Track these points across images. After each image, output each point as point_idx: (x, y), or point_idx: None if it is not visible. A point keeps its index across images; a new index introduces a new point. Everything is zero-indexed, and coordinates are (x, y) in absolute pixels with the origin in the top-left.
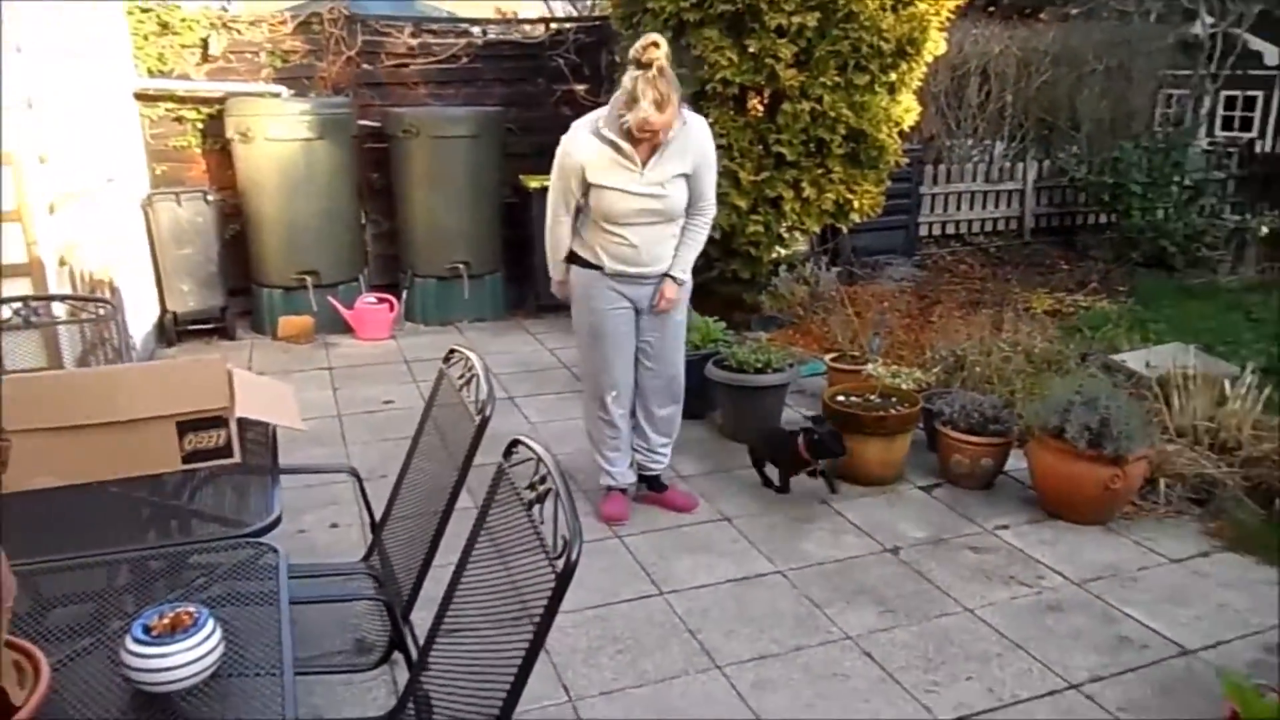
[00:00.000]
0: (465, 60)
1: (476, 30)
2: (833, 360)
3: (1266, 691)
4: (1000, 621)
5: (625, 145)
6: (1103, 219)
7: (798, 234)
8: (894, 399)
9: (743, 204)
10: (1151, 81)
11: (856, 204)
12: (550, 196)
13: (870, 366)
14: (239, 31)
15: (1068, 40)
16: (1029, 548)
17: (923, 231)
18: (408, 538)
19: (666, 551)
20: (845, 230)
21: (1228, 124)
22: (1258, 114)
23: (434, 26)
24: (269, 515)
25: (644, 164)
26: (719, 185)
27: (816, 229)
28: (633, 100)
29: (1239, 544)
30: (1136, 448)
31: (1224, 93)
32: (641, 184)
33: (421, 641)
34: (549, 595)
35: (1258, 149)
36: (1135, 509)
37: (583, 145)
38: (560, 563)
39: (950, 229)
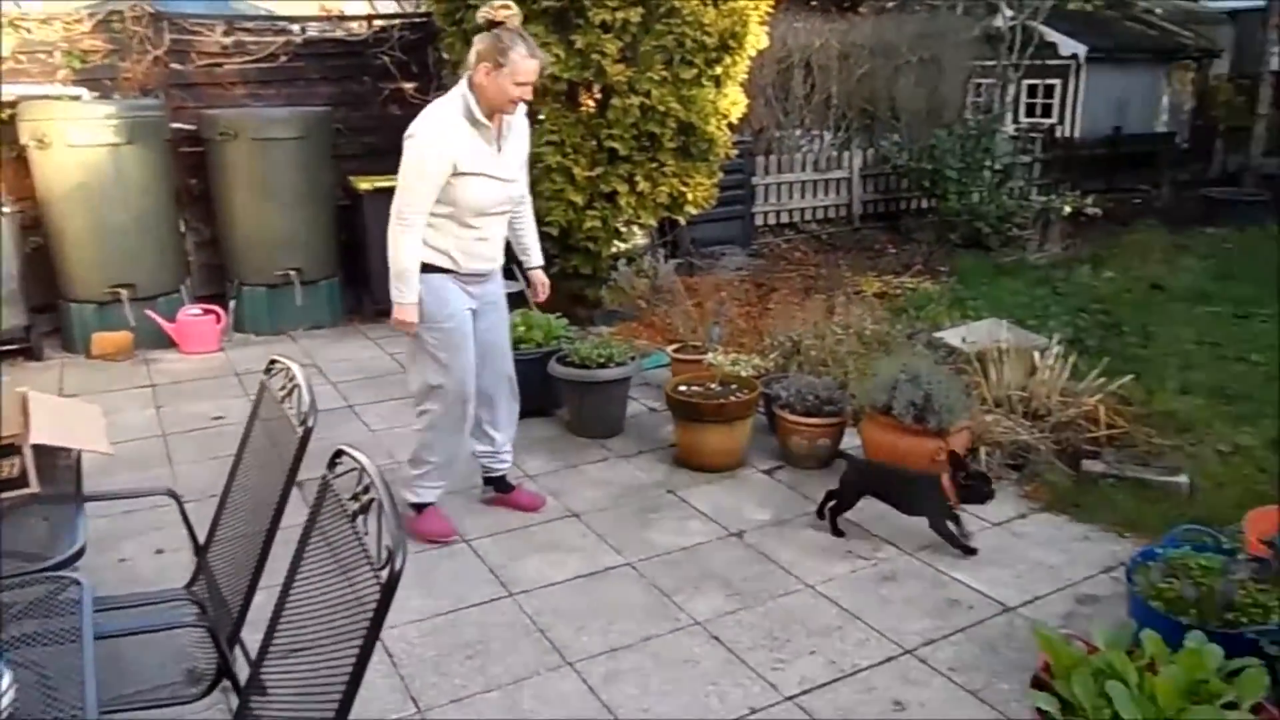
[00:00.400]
0: (285, 59)
1: (296, 28)
2: (675, 351)
3: (1075, 640)
4: (840, 595)
5: (490, 125)
6: (924, 204)
7: (635, 228)
8: (734, 386)
9: (579, 200)
10: (961, 71)
11: (690, 196)
12: (405, 202)
13: (711, 356)
14: (29, 30)
15: (883, 33)
16: (865, 522)
17: (758, 221)
18: (234, 559)
19: (515, 552)
20: (683, 222)
21: (1031, 111)
22: (1056, 101)
23: (249, 25)
24: (71, 547)
25: (498, 148)
26: (555, 182)
27: (653, 222)
28: (504, 54)
29: (1052, 504)
30: (958, 420)
31: (1026, 81)
32: (502, 169)
33: (252, 665)
34: (374, 608)
35: (1058, 134)
36: None
37: (454, 133)
38: (384, 573)
39: (784, 218)
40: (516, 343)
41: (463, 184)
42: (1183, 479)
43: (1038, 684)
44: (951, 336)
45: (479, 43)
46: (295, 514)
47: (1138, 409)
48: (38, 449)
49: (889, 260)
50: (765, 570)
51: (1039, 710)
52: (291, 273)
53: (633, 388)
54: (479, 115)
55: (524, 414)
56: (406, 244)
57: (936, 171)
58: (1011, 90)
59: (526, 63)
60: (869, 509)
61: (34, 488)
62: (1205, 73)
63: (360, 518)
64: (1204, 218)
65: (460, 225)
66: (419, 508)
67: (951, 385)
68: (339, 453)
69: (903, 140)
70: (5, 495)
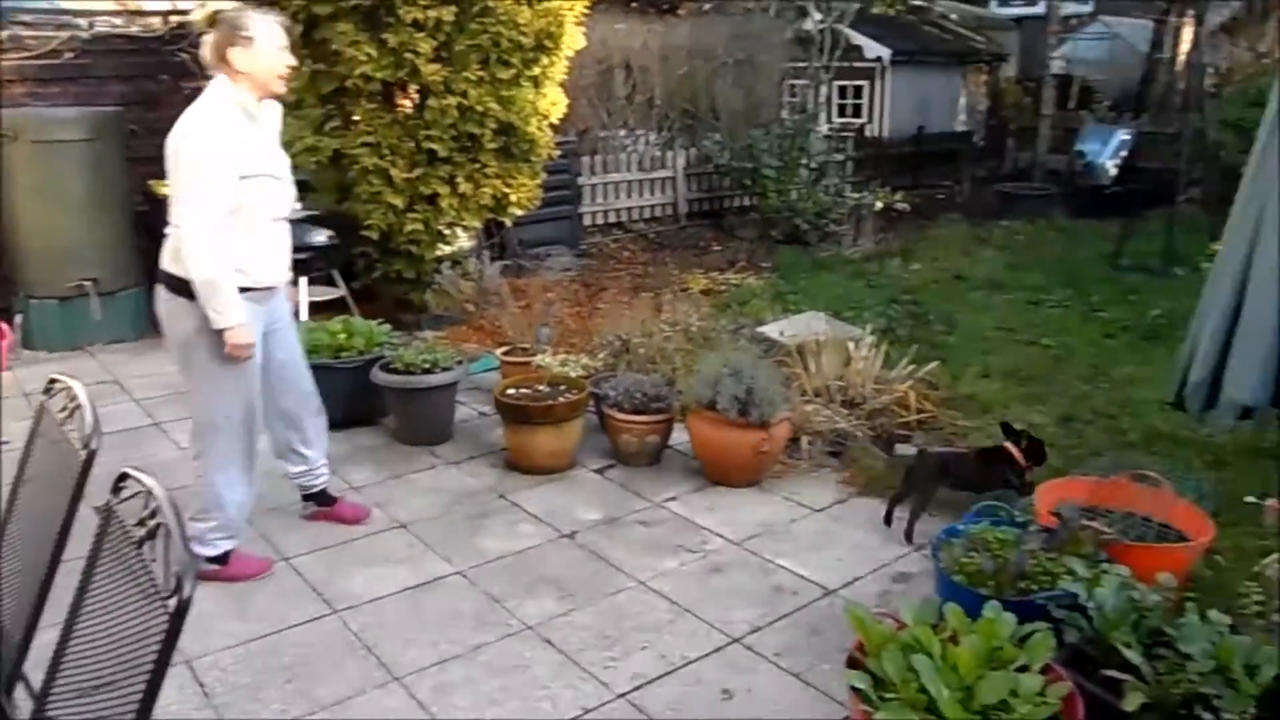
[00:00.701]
0: (71, 55)
1: (82, 23)
2: (504, 354)
3: (886, 618)
4: (670, 589)
5: (259, 119)
6: (746, 201)
7: (459, 230)
8: (563, 387)
9: (399, 202)
10: (775, 72)
11: (514, 197)
12: (200, 213)
13: (540, 357)
14: None
15: (700, 35)
16: (694, 515)
17: (586, 221)
18: (14, 595)
19: (339, 567)
20: (509, 224)
21: (842, 111)
22: (865, 102)
23: (25, 18)
24: None
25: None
26: (372, 184)
27: (477, 224)
28: (244, 29)
29: (868, 488)
30: (779, 411)
31: (836, 83)
32: (282, 168)
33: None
34: (162, 638)
35: (868, 133)
36: (784, 467)
37: (233, 131)
38: (173, 601)
39: (612, 217)
40: (337, 351)
41: (250, 187)
42: None
43: (852, 663)
44: (773, 330)
45: (214, 37)
46: (84, 543)
47: (944, 393)
48: None
49: (714, 257)
50: (597, 569)
51: (853, 688)
52: (87, 284)
53: (461, 392)
54: (252, 108)
55: (348, 424)
56: (211, 255)
57: (756, 170)
58: (823, 91)
59: (272, 27)
60: (697, 501)
61: None
62: (996, 75)
63: (147, 544)
64: (999, 211)
65: (248, 234)
66: (220, 559)
67: (772, 378)
68: (124, 475)
69: (723, 139)
70: None
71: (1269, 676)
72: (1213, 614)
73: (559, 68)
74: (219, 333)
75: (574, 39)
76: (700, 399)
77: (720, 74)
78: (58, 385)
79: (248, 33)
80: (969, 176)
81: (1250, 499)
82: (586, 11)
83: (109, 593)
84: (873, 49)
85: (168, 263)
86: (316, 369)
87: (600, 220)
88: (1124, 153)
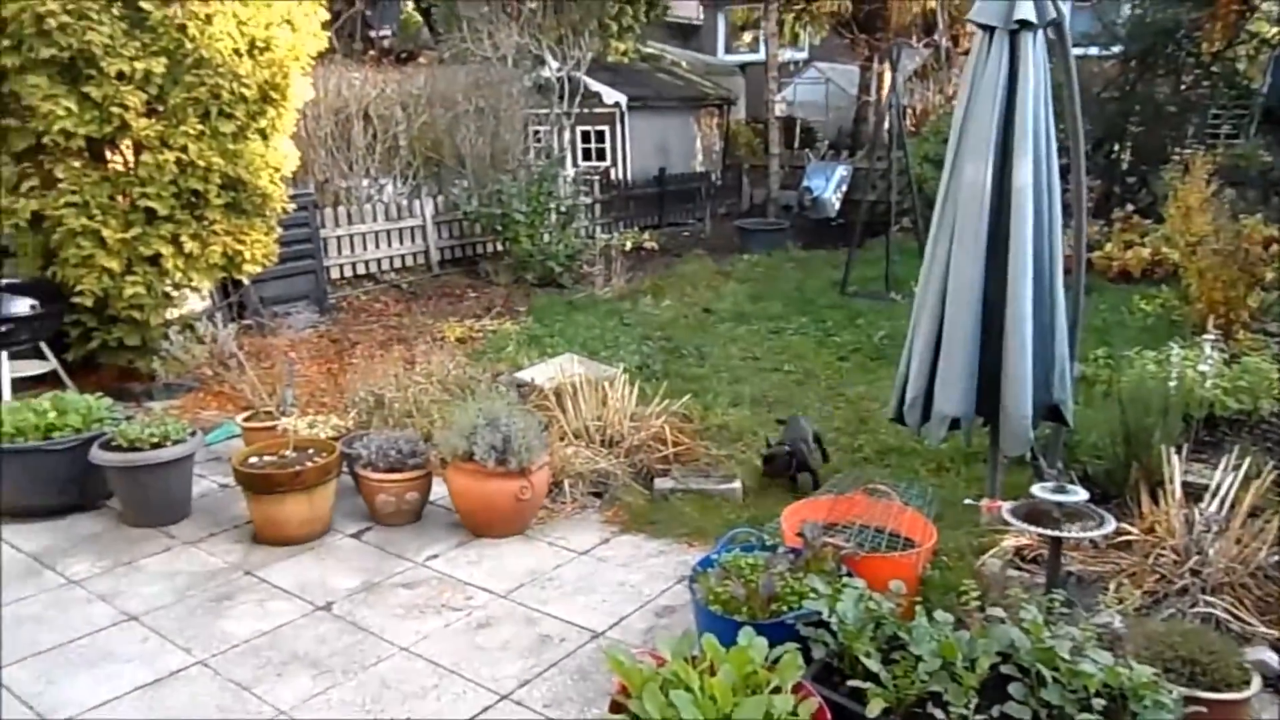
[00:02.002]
0: None
1: None
2: (245, 420)
3: (648, 657)
4: (435, 651)
5: None
6: (499, 246)
7: (188, 291)
8: (311, 451)
9: (115, 265)
10: (518, 119)
11: (248, 254)
12: None
13: (286, 421)
14: None
15: (439, 83)
16: (457, 571)
17: (334, 274)
18: None
19: (56, 675)
20: (247, 281)
21: (587, 155)
22: (608, 145)
23: None
24: None
25: None
26: (82, 247)
27: (209, 283)
28: None
29: (631, 525)
30: (537, 458)
31: (579, 127)
32: None
33: None
34: None
35: (612, 175)
36: (547, 512)
37: None
38: None
39: (360, 269)
40: (48, 431)
41: None
42: (736, 485)
43: (615, 707)
44: (529, 375)
45: None
46: None
47: (697, 424)
48: None
49: (470, 304)
50: (355, 640)
51: None
52: None
53: (199, 464)
54: None
55: (64, 511)
56: None
57: (506, 215)
58: (566, 136)
59: None
60: (460, 556)
61: None
62: (727, 118)
63: None
64: (740, 245)
65: None
66: None
67: (529, 424)
68: None
69: (470, 186)
70: None
71: (985, 667)
72: (939, 614)
73: (288, 119)
74: None
75: (302, 90)
76: (457, 450)
77: (463, 121)
78: None
79: None
80: (710, 214)
81: (968, 501)
82: (313, 62)
83: None
84: (610, 95)
85: None
86: (24, 453)
87: (349, 272)
88: (845, 187)
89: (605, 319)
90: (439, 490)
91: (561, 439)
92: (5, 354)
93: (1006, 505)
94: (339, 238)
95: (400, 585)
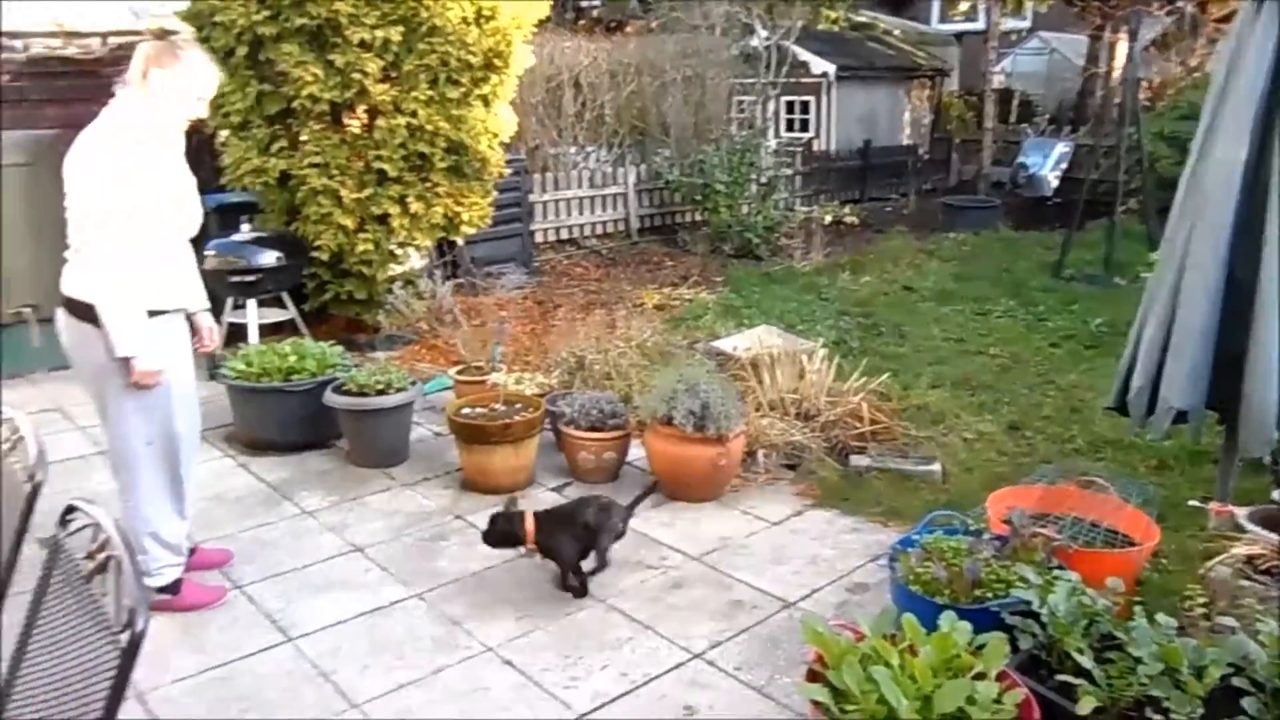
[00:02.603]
0: (7, 79)
1: (18, 44)
2: (458, 374)
3: (845, 630)
4: (630, 606)
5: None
6: (697, 216)
7: (411, 250)
8: (518, 406)
9: (349, 223)
10: (724, 88)
11: (466, 216)
12: (105, 234)
13: (494, 376)
14: None
15: (647, 52)
16: (652, 531)
17: (539, 238)
18: None
19: (293, 595)
20: (461, 242)
21: (790, 126)
22: (812, 116)
23: None
24: None
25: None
26: (321, 205)
27: (429, 243)
28: (194, 84)
29: (824, 500)
30: (735, 426)
31: (784, 98)
32: (190, 184)
33: None
34: (114, 675)
35: (815, 147)
36: (741, 481)
37: (140, 149)
38: (125, 636)
39: (564, 234)
40: (288, 374)
41: (156, 208)
42: (936, 467)
43: (812, 676)
44: (727, 344)
45: (150, 50)
46: (30, 577)
47: (896, 404)
48: None
49: (667, 272)
50: (556, 589)
51: (813, 701)
52: (26, 310)
53: (416, 413)
54: (157, 128)
55: (299, 447)
56: (122, 283)
57: (706, 185)
58: (771, 106)
59: (209, 77)
60: (655, 517)
61: None
62: (939, 89)
63: (97, 577)
64: (945, 223)
65: (164, 255)
66: (171, 588)
67: (727, 392)
68: (71, 508)
69: (673, 155)
70: None
71: (1215, 677)
72: (1160, 617)
73: (508, 86)
74: (152, 360)
75: (523, 58)
76: (656, 414)
77: (669, 90)
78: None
79: (184, 64)
80: (915, 189)
81: (1194, 503)
82: (535, 31)
83: (58, 628)
84: (818, 64)
85: (74, 288)
86: (267, 393)
87: (552, 237)
88: (1064, 165)
89: (802, 292)
90: (635, 452)
91: (756, 409)
92: (254, 301)
93: (1241, 510)
94: (545, 203)
95: None
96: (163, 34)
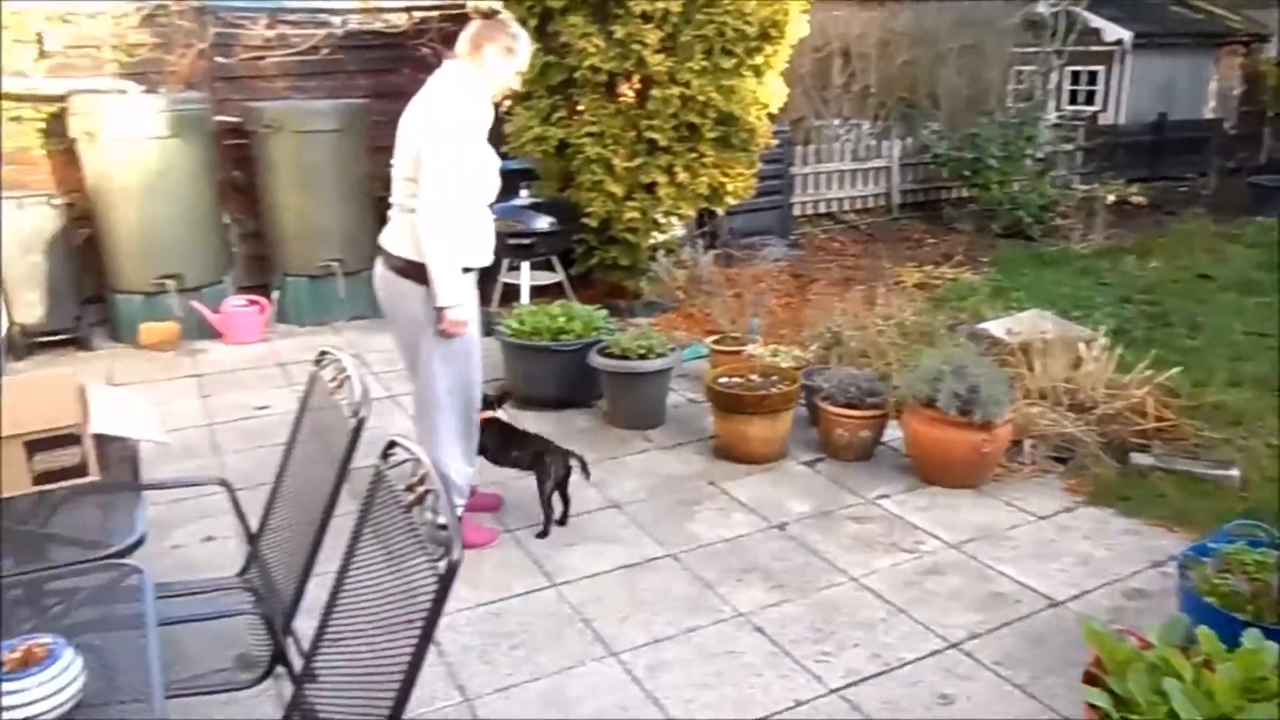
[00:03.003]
0: (326, 52)
1: (337, 20)
2: (714, 343)
3: (1125, 635)
4: (884, 588)
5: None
6: (964, 193)
7: (674, 219)
8: (775, 378)
9: (618, 191)
10: (1003, 59)
11: (730, 186)
12: (448, 194)
13: (751, 347)
14: (78, 25)
15: (923, 21)
16: (907, 514)
17: (796, 211)
18: (287, 547)
19: (557, 543)
20: (721, 213)
21: (1074, 98)
22: (1100, 88)
23: (291, 17)
24: (132, 535)
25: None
26: (594, 173)
27: (692, 213)
28: (516, 40)
29: (1098, 497)
30: (1002, 413)
31: (1069, 68)
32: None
33: (306, 653)
34: (432, 597)
35: (1101, 121)
36: (1004, 471)
37: (478, 115)
38: (442, 564)
39: (823, 208)
40: (557, 334)
41: (485, 168)
42: (1234, 472)
43: (1090, 679)
44: (994, 328)
45: (481, 27)
46: (342, 504)
47: (1186, 401)
48: (96, 438)
49: (928, 250)
50: (808, 562)
51: (1091, 706)
52: (333, 264)
53: (672, 379)
54: (488, 98)
55: (563, 405)
56: (451, 239)
57: (978, 160)
58: (1054, 77)
59: (527, 54)
60: (911, 500)
61: (94, 476)
62: (1254, 57)
63: (415, 508)
64: (1252, 206)
65: (476, 215)
66: None
67: (996, 377)
68: (392, 444)
69: (942, 129)
70: (66, 484)
71: None
72: None
73: (782, 56)
74: (465, 315)
75: (799, 27)
76: (918, 395)
77: (943, 60)
78: (328, 357)
79: (514, 44)
80: (1216, 168)
81: None
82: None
83: (374, 552)
84: (1113, 31)
85: (399, 246)
86: (536, 350)
87: (810, 210)
88: None
89: (1078, 277)
90: (891, 432)
91: (1025, 397)
92: (527, 264)
93: None
94: (805, 175)
95: (850, 518)
96: (491, 12)
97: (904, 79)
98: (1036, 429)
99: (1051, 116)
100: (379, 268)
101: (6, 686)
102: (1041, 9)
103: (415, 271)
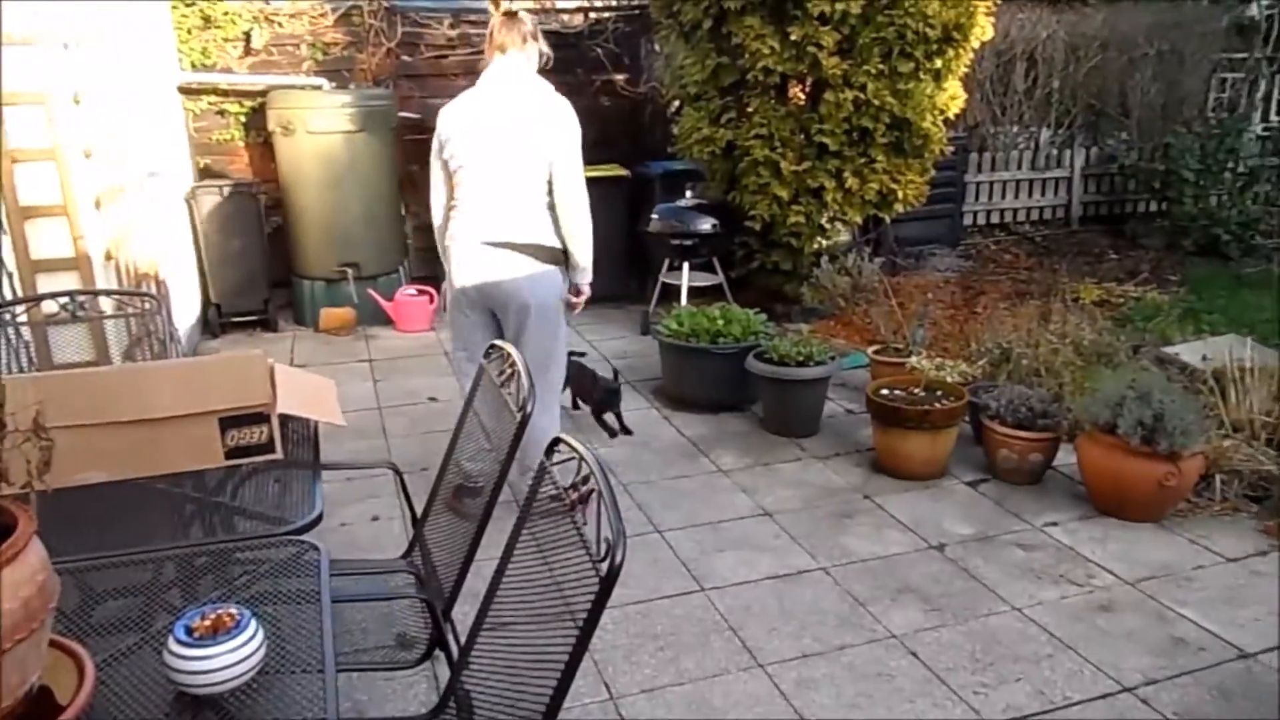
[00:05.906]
0: None
1: None
2: (875, 353)
3: None
4: (1050, 621)
5: None
6: (1153, 207)
7: (839, 224)
8: (939, 392)
9: (784, 194)
10: (1205, 65)
11: (900, 194)
12: (582, 177)
13: (914, 359)
14: (280, 25)
15: (1117, 24)
16: (1079, 545)
17: (967, 221)
18: (449, 534)
19: (707, 547)
20: (888, 220)
21: None
22: None
23: (472, 17)
24: (311, 512)
25: None
26: (760, 175)
27: (859, 219)
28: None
29: None
30: (1192, 444)
31: None
32: None
33: (463, 638)
34: (593, 597)
35: None
36: (1190, 506)
37: None
38: (604, 565)
39: (995, 218)
40: (715, 336)
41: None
42: None
43: None
44: (1184, 352)
45: (530, 27)
46: (502, 495)
47: None
48: (281, 417)
49: (1110, 266)
50: (967, 587)
51: None
52: None
53: (830, 388)
54: None
55: (717, 408)
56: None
57: (1170, 173)
58: (1264, 86)
59: None
60: (1083, 530)
61: (279, 454)
62: None
63: (580, 508)
64: None
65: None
66: None
67: (1187, 405)
68: (557, 440)
69: (1132, 138)
70: (254, 460)
71: None
72: None
73: (963, 60)
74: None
75: (984, 30)
76: (1096, 419)
77: (1137, 67)
78: (496, 351)
79: (539, 36)
80: None
81: None
82: (998, 1)
83: (537, 546)
84: None
85: (539, 235)
86: (693, 352)
87: (981, 220)
88: None
89: None
90: (1063, 457)
91: (1219, 429)
92: (687, 265)
93: None
94: (979, 184)
95: (1015, 544)
96: (514, 13)
97: (1091, 85)
98: (1229, 463)
99: (1258, 128)
100: (502, 254)
101: (197, 652)
102: (1253, 12)
103: (555, 257)
